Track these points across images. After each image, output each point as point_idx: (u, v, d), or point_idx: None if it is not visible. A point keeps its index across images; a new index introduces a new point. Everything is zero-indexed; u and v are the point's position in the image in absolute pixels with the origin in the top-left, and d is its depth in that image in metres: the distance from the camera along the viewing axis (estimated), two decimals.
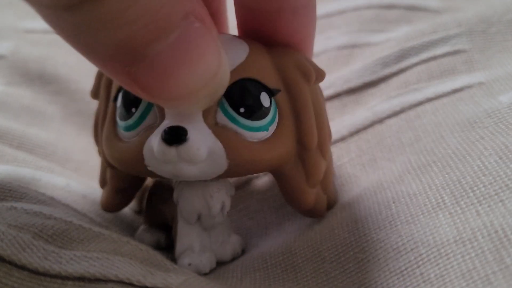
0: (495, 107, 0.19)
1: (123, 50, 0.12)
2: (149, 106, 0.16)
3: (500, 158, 0.16)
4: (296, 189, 0.18)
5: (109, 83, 0.18)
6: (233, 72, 0.16)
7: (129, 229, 0.21)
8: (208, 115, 0.16)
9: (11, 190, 0.19)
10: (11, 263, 0.14)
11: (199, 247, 0.18)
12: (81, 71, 0.29)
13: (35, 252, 0.15)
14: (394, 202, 0.17)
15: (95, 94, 0.19)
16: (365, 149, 0.21)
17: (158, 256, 0.17)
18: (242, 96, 0.16)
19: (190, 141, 0.16)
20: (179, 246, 0.18)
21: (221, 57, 0.14)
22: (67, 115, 0.28)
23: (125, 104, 0.17)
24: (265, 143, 0.17)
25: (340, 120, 0.24)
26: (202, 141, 0.16)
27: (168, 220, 0.20)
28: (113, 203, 0.19)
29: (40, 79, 0.29)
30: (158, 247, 0.20)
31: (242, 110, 0.16)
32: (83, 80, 0.29)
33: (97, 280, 0.14)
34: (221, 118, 0.16)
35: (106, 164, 0.18)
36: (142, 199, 0.22)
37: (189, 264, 0.18)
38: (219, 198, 0.18)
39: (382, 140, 0.21)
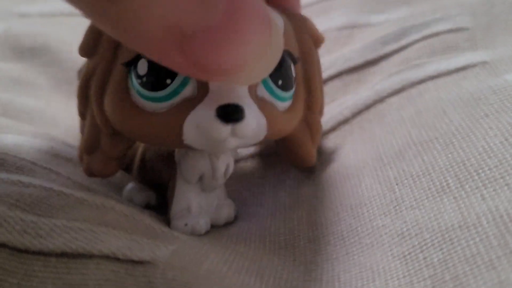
0: (501, 84, 0.19)
1: (172, 30, 0.12)
2: (187, 77, 0.16)
3: (506, 140, 0.16)
4: (303, 150, 0.19)
5: (116, 43, 0.17)
6: None
7: (118, 189, 0.21)
8: (251, 89, 0.16)
9: None
10: None
11: (196, 208, 0.18)
12: (73, 42, 0.29)
13: (12, 226, 0.14)
14: (397, 184, 0.17)
15: (88, 52, 0.17)
16: (367, 128, 0.21)
17: (146, 220, 0.16)
18: (282, 69, 0.17)
19: (247, 119, 0.15)
20: (176, 206, 0.18)
21: (271, 25, 0.13)
22: (57, 84, 0.28)
23: (157, 75, 0.16)
24: (289, 111, 0.17)
25: (342, 100, 0.23)
26: (254, 117, 0.16)
27: (162, 179, 0.20)
28: (109, 169, 0.18)
29: (31, 52, 0.29)
30: (148, 206, 0.20)
31: (280, 82, 0.17)
32: (75, 49, 0.29)
33: (81, 255, 0.14)
34: (262, 91, 0.16)
35: (106, 131, 0.17)
36: (132, 156, 0.21)
37: (186, 225, 0.18)
38: (225, 160, 0.18)
39: (383, 118, 0.21)
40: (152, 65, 0.16)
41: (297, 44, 0.18)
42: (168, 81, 0.16)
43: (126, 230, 0.15)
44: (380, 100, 0.21)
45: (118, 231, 0.15)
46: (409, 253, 0.14)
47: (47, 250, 0.14)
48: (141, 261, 0.14)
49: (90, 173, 0.18)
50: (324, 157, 0.21)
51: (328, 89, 0.24)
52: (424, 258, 0.14)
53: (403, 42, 0.24)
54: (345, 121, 0.22)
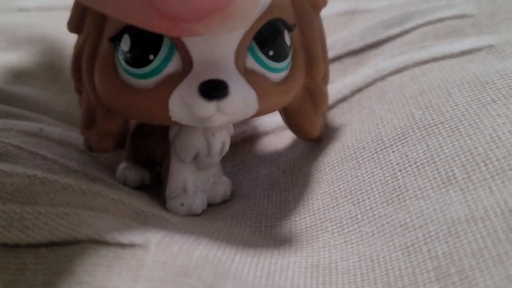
0: (509, 69, 0.18)
1: None
2: (171, 52, 0.15)
3: None
4: (305, 120, 0.18)
5: (101, 17, 0.16)
6: (263, 14, 0.15)
7: (109, 170, 0.21)
8: (239, 61, 0.15)
9: None
10: None
11: (192, 187, 0.18)
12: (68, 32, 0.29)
13: None
14: (400, 171, 0.16)
15: (76, 27, 0.17)
16: (366, 105, 0.20)
17: (135, 204, 0.16)
18: (272, 39, 0.16)
19: (232, 95, 0.15)
20: (171, 186, 0.18)
21: None
22: (54, 73, 0.28)
23: (140, 50, 0.15)
24: (285, 81, 0.17)
25: (341, 81, 0.23)
26: (240, 93, 0.15)
27: (156, 157, 0.19)
28: (105, 144, 0.18)
29: (27, 42, 0.29)
30: (142, 186, 0.20)
31: (271, 53, 0.16)
32: (70, 37, 0.29)
33: (68, 242, 0.14)
34: (251, 62, 0.16)
35: (101, 108, 0.17)
36: (126, 135, 0.21)
37: (182, 205, 0.18)
38: (221, 137, 0.17)
39: (383, 95, 0.20)
40: (134, 40, 0.15)
41: (293, 10, 0.17)
42: (151, 57, 0.15)
43: (114, 214, 0.15)
44: (381, 78, 0.21)
45: (106, 215, 0.15)
46: (412, 245, 0.14)
47: (35, 242, 0.14)
48: (131, 244, 0.14)
49: (89, 147, 0.18)
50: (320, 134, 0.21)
51: None
52: (428, 250, 0.14)
53: (406, 26, 0.23)
54: (343, 99, 0.22)
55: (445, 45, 0.21)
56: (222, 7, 0.12)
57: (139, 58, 0.15)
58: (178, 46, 0.15)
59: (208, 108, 0.15)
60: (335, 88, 0.22)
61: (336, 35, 0.25)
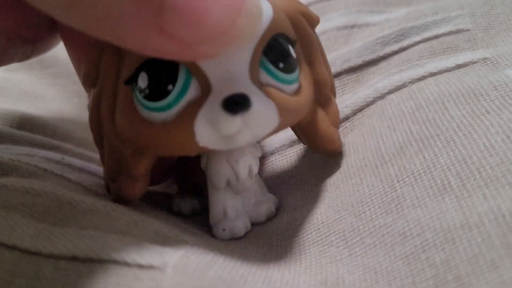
0: (502, 80, 0.18)
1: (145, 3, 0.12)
2: (188, 79, 0.16)
3: (508, 137, 0.16)
4: (322, 131, 0.19)
5: (116, 64, 0.17)
6: (267, 29, 0.16)
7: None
8: (253, 76, 0.16)
9: (1, 164, 0.18)
10: (2, 244, 0.14)
11: (231, 211, 0.18)
12: None
13: (26, 231, 0.15)
14: (398, 182, 0.17)
15: (92, 81, 0.17)
16: (367, 123, 0.21)
17: (155, 226, 0.16)
18: (280, 52, 0.17)
19: (254, 105, 0.15)
20: (213, 213, 0.18)
21: None
22: (67, 97, 0.28)
23: (158, 83, 0.16)
24: (298, 93, 0.17)
25: (341, 99, 0.23)
26: (262, 104, 0.16)
27: (199, 185, 0.20)
28: (136, 190, 0.18)
29: (39, 63, 0.29)
30: (193, 213, 0.20)
31: (281, 65, 0.16)
32: None
33: (90, 259, 0.14)
34: (264, 77, 0.16)
35: (126, 152, 0.17)
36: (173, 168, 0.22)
37: (224, 230, 0.18)
38: (245, 162, 0.18)
39: (383, 112, 0.21)
40: (151, 75, 0.16)
41: (292, 27, 0.18)
42: (170, 87, 0.16)
43: (136, 236, 0.15)
44: (381, 97, 0.21)
45: (129, 237, 0.15)
46: (412, 253, 0.14)
47: (58, 253, 0.14)
48: (150, 266, 0.14)
49: (118, 197, 0.18)
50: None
51: None
52: (427, 258, 0.14)
53: (404, 43, 0.24)
54: (345, 119, 0.22)
55: (440, 61, 0.21)
56: (229, 26, 0.13)
57: (158, 91, 0.16)
58: (194, 71, 0.15)
59: (234, 123, 0.15)
60: None
61: (336, 52, 0.26)
